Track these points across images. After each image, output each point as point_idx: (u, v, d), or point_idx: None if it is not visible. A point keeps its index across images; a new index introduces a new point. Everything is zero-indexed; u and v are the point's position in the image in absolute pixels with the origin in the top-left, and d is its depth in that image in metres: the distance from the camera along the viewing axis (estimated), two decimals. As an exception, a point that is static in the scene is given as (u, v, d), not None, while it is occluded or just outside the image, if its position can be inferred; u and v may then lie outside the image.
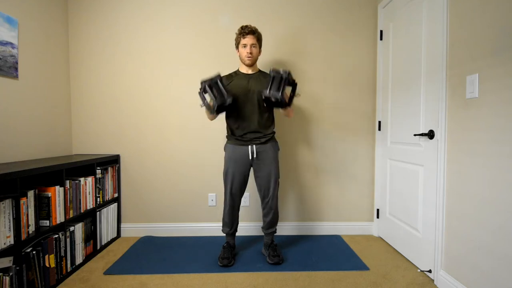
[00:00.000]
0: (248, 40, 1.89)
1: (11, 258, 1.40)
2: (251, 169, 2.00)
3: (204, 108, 1.73)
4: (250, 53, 1.90)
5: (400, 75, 2.09)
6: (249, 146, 1.91)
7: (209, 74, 2.40)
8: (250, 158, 1.92)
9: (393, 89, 2.20)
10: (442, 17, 1.62)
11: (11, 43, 1.83)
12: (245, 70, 1.97)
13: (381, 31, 2.36)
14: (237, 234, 2.39)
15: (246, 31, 1.89)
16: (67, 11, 2.40)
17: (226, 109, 1.79)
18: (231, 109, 1.89)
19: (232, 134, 1.96)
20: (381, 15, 2.36)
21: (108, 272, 1.83)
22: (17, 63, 1.88)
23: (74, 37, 2.41)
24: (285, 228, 2.47)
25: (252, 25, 1.95)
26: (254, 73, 1.96)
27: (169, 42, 2.41)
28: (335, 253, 2.08)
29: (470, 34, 1.44)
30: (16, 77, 1.88)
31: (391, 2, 2.21)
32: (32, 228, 1.55)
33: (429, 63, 1.75)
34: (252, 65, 1.95)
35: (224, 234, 2.23)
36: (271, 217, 1.99)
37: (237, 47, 1.98)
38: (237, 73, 1.98)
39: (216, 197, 2.46)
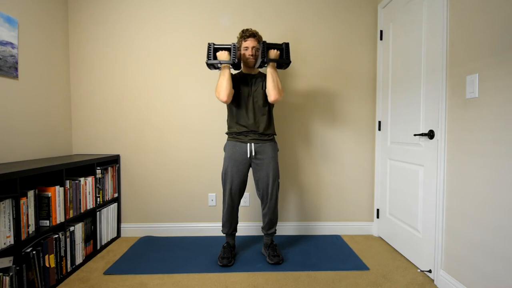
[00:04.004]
0: (250, 42, 1.95)
1: (11, 258, 1.40)
2: (250, 169, 2.02)
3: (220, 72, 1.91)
4: (252, 55, 1.95)
5: (400, 75, 2.09)
6: (248, 144, 1.93)
7: (208, 74, 2.40)
8: (249, 156, 1.93)
9: (393, 89, 2.20)
10: (442, 17, 1.62)
11: (11, 43, 1.83)
12: (247, 72, 2.03)
13: (381, 31, 2.36)
14: (237, 234, 2.39)
15: (247, 34, 1.96)
16: (67, 11, 2.40)
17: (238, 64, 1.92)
18: (233, 104, 1.95)
19: (232, 132, 1.98)
20: (381, 15, 2.36)
21: (108, 272, 1.83)
22: (17, 63, 1.88)
23: (74, 37, 2.41)
24: (285, 228, 2.47)
25: (252, 25, 1.97)
26: (255, 74, 2.02)
27: (169, 42, 2.41)
28: (335, 253, 2.08)
29: (470, 34, 1.44)
30: (16, 77, 1.88)
31: (391, 2, 2.21)
32: (32, 228, 1.55)
33: (429, 63, 1.75)
34: (253, 66, 2.01)
35: (224, 235, 2.23)
36: (270, 218, 1.99)
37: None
38: (240, 74, 2.03)
39: (216, 197, 2.46)
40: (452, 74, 1.56)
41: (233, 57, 1.84)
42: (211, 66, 1.91)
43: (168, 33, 2.41)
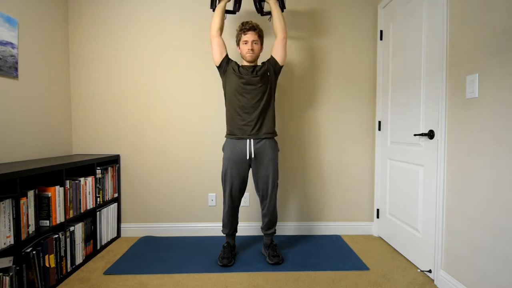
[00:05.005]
0: (249, 36, 1.88)
1: (11, 258, 1.40)
2: (250, 169, 2.00)
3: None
4: (252, 49, 1.88)
5: (400, 75, 2.09)
6: (247, 140, 1.89)
7: (208, 74, 2.40)
8: (248, 158, 1.90)
9: (393, 89, 2.20)
10: (442, 17, 1.62)
11: (11, 43, 1.83)
12: (246, 64, 1.96)
13: (381, 31, 2.36)
14: (237, 234, 2.38)
15: (247, 27, 1.88)
16: (67, 11, 2.40)
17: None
18: (231, 98, 1.95)
19: (231, 129, 1.93)
20: (381, 15, 2.36)
21: (108, 272, 1.83)
22: (17, 63, 1.88)
23: (74, 37, 2.41)
24: (285, 228, 2.47)
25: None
26: (256, 65, 1.95)
27: (169, 42, 2.41)
28: (335, 253, 2.08)
29: (470, 34, 1.44)
30: (16, 77, 1.88)
31: (391, 2, 2.21)
32: (32, 228, 1.55)
33: (429, 63, 1.75)
34: (253, 61, 1.95)
35: (224, 235, 2.23)
36: (270, 218, 1.99)
37: (238, 44, 1.97)
38: (240, 66, 1.96)
39: (216, 197, 2.46)
40: (452, 74, 1.56)
41: None
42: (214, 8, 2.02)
43: (168, 33, 2.41)
